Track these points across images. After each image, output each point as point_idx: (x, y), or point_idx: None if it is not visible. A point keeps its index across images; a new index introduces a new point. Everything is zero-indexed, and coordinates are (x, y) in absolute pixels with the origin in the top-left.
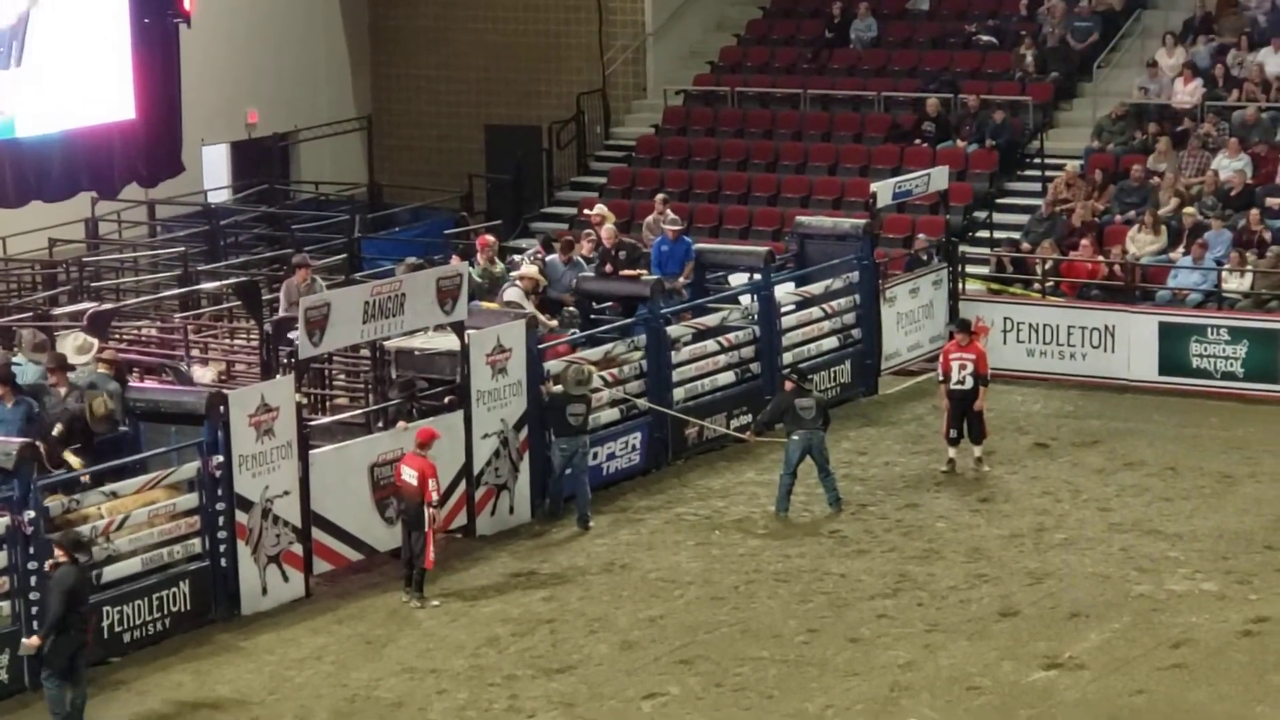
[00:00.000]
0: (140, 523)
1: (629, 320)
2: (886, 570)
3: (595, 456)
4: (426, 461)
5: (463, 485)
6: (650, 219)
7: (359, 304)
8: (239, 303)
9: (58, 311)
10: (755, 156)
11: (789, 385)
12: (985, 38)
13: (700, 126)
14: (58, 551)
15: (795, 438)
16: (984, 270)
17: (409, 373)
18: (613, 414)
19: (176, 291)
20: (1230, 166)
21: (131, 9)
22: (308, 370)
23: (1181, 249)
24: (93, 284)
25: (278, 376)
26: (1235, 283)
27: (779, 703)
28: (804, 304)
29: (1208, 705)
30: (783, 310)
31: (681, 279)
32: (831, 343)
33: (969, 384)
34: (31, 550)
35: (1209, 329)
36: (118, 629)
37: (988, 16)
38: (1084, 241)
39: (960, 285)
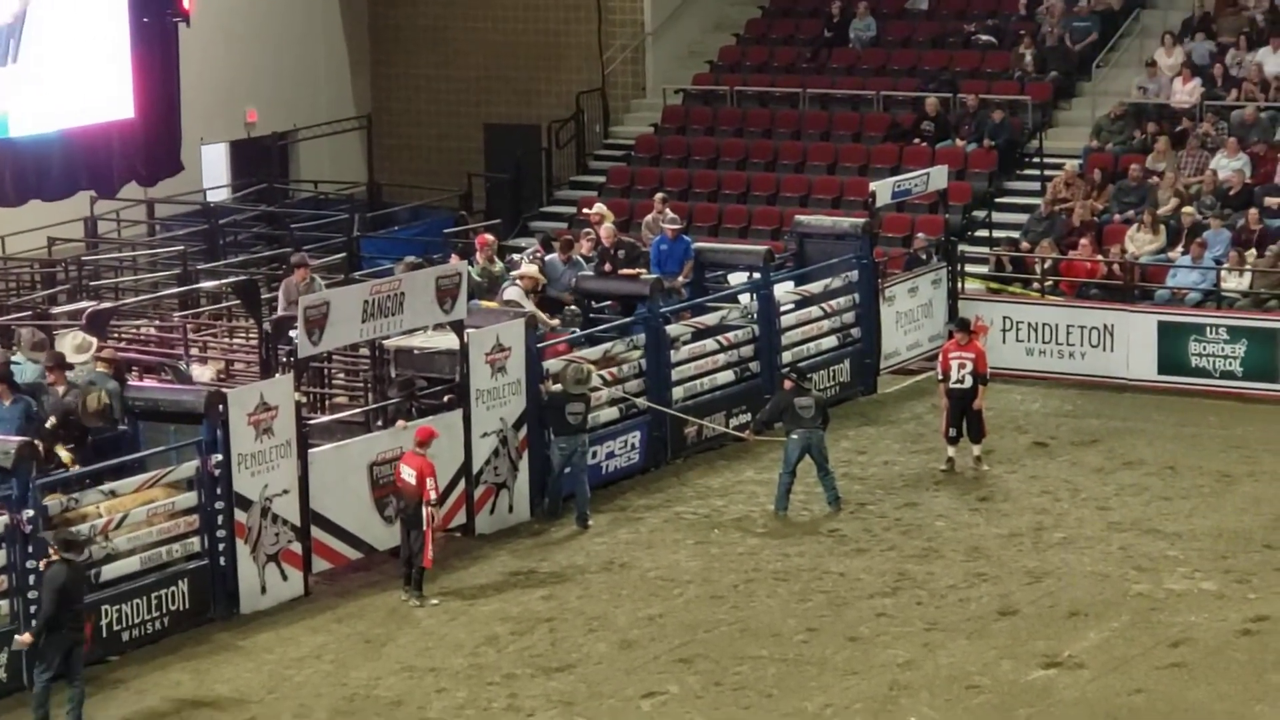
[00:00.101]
0: (139, 521)
1: (628, 319)
2: (885, 569)
3: (594, 455)
4: (425, 460)
5: (462, 484)
6: (649, 218)
7: (358, 303)
8: (238, 302)
9: (57, 310)
10: (754, 156)
11: (788, 384)
12: (984, 37)
13: (699, 126)
14: (50, 550)
15: (794, 437)
16: (983, 269)
17: (408, 372)
18: (612, 413)
19: (175, 290)
20: (1229, 166)
21: (131, 8)
22: (307, 369)
23: (1180, 248)
24: (92, 283)
25: (277, 375)
26: (1234, 282)
27: (778, 701)
28: (803, 303)
29: (1207, 704)
30: (782, 309)
31: (681, 278)
32: (831, 342)
33: (968, 383)
34: (30, 549)
35: (1208, 328)
36: (116, 627)
37: (987, 16)
38: (1083, 241)
39: (959, 284)
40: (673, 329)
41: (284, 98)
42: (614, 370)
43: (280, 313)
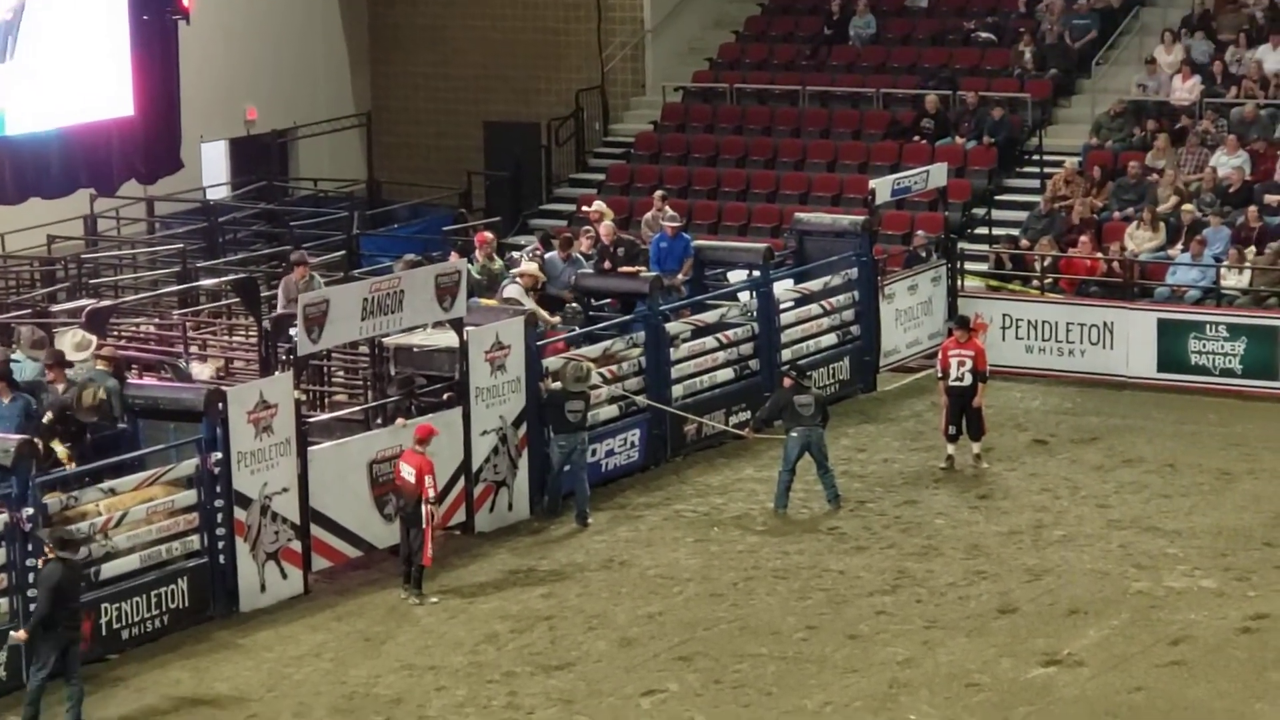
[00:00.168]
0: (138, 519)
1: (628, 317)
2: (885, 567)
3: (594, 453)
4: (424, 458)
5: (461, 482)
6: (649, 216)
7: (358, 301)
8: (237, 299)
9: (56, 308)
10: (754, 153)
11: (788, 382)
12: (984, 34)
13: (699, 123)
14: (46, 548)
15: (794, 434)
16: (983, 267)
17: (408, 370)
18: (611, 411)
19: (175, 288)
20: (1229, 163)
21: (130, 5)
22: (306, 367)
23: (1180, 246)
24: (91, 281)
25: (276, 373)
26: (1234, 279)
27: (778, 699)
28: (803, 301)
29: (1206, 702)
30: (781, 307)
31: (680, 276)
32: (830, 339)
33: (968, 380)
34: (30, 547)
35: (1207, 326)
36: (116, 626)
37: (986, 13)
38: (1083, 238)
39: (959, 282)
40: (672, 327)
41: (283, 95)
42: (614, 368)
43: (280, 310)
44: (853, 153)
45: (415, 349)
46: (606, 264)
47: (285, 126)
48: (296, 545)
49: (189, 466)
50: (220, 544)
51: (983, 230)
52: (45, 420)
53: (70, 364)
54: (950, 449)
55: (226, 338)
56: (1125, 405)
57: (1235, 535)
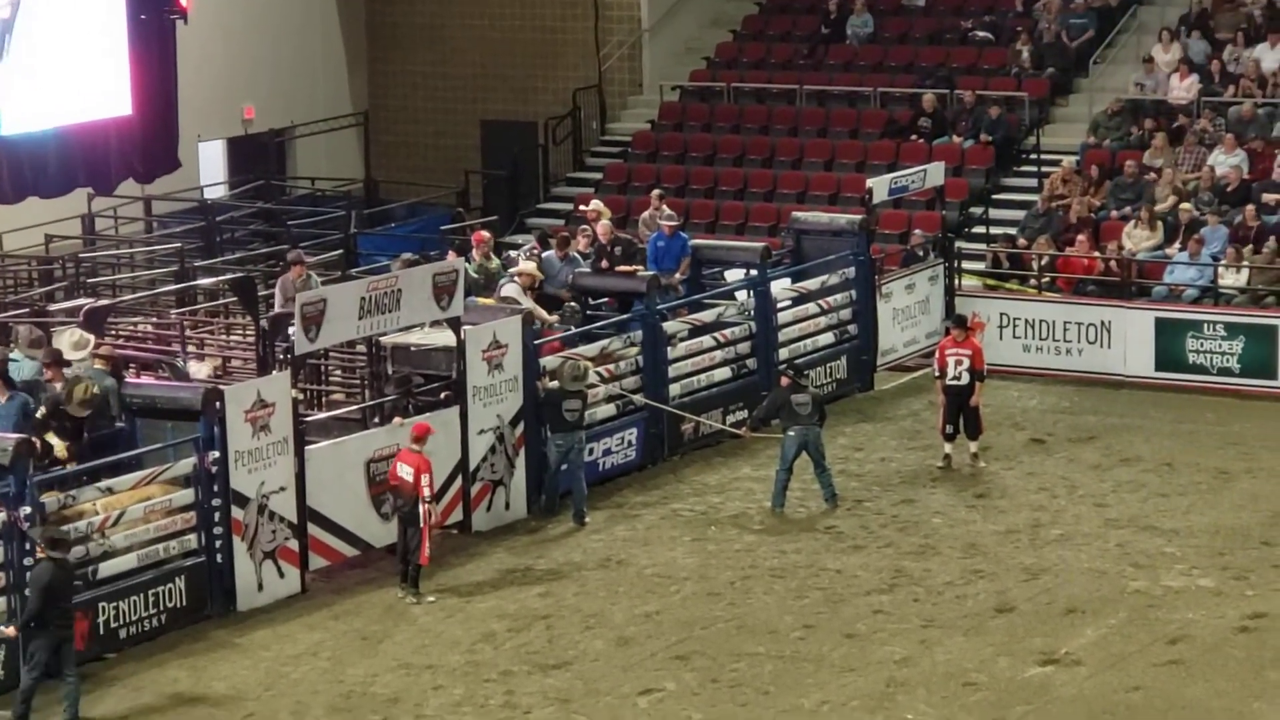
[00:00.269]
0: (136, 518)
1: (625, 316)
2: (882, 566)
3: (591, 452)
4: (421, 457)
5: (459, 481)
6: (646, 215)
7: (355, 300)
8: (235, 299)
9: (54, 308)
10: (751, 152)
11: (785, 381)
12: (981, 33)
13: (696, 122)
14: (37, 548)
15: (791, 433)
16: (980, 266)
17: (405, 368)
18: (609, 410)
19: (173, 287)
20: (1226, 162)
21: (128, 4)
22: (304, 366)
23: (1178, 245)
24: (89, 280)
25: (274, 372)
26: (1231, 278)
27: (775, 699)
28: (800, 300)
29: (1204, 701)
30: (779, 306)
31: (678, 275)
32: (828, 338)
33: (965, 379)
34: (27, 546)
35: (1205, 325)
36: (113, 625)
37: (984, 12)
38: (1080, 237)
39: (956, 281)
40: (670, 326)
41: (281, 94)
42: (611, 367)
43: (277, 309)
44: (850, 152)
45: (413, 348)
46: (604, 263)
47: (283, 126)
48: (294, 544)
49: (186, 465)
50: (218, 543)
51: (980, 229)
52: (39, 415)
53: (68, 363)
54: (947, 448)
55: (224, 337)
56: (1123, 404)
57: (1233, 534)
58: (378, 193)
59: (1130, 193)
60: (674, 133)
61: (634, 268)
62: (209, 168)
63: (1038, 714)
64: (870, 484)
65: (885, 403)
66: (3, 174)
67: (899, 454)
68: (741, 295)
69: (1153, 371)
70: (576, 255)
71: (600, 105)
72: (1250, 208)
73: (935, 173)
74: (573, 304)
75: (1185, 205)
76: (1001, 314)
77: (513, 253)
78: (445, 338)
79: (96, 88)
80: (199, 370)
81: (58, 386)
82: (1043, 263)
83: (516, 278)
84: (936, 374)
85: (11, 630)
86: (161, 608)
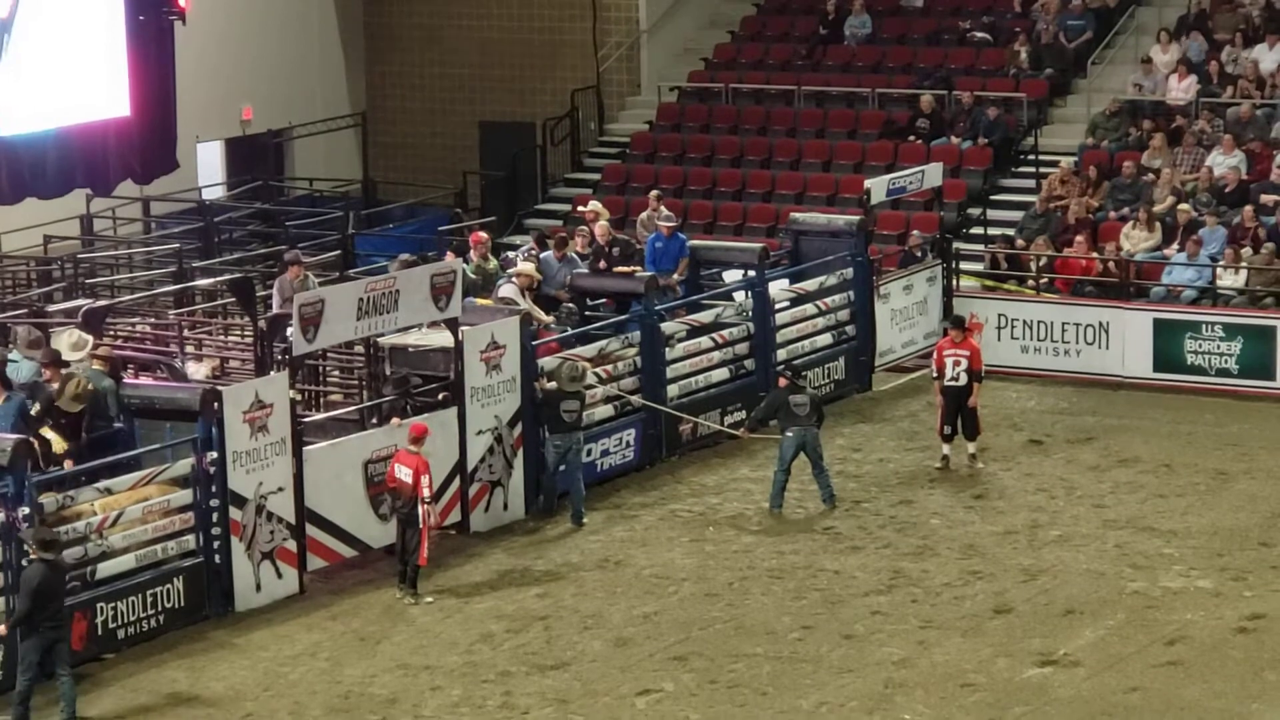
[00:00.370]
0: (134, 519)
1: (623, 317)
2: (880, 567)
3: (589, 453)
4: (420, 458)
5: (457, 481)
6: (644, 215)
7: (353, 301)
8: (233, 299)
9: (53, 308)
10: (749, 153)
11: (783, 382)
12: (979, 34)
13: (694, 123)
14: (29, 549)
15: (789, 434)
16: (978, 267)
17: (403, 369)
18: (607, 410)
19: (171, 288)
20: (1225, 163)
21: (126, 5)
22: (302, 367)
23: (1176, 245)
24: (87, 281)
25: (272, 373)
26: (1230, 279)
27: (773, 699)
28: (798, 300)
29: (1203, 702)
30: (777, 307)
31: (676, 275)
32: (826, 339)
33: (963, 380)
34: (25, 546)
35: (1203, 325)
36: (111, 625)
37: (982, 13)
38: (1078, 238)
39: (954, 282)
40: (668, 326)
41: (279, 95)
42: (609, 368)
43: (275, 310)
44: (848, 152)
45: (410, 349)
46: (602, 264)
47: (281, 126)
48: (292, 545)
49: (184, 466)
50: (216, 543)
51: (978, 230)
52: (34, 412)
53: (66, 364)
54: (945, 449)
55: (222, 337)
56: (1121, 405)
57: (1231, 535)
58: (375, 193)
59: (1128, 193)
60: (672, 133)
61: (632, 268)
62: (207, 168)
63: (1036, 715)
64: (868, 485)
65: (883, 404)
66: (1, 175)
67: (897, 455)
68: (739, 296)
69: (1151, 372)
70: (574, 256)
71: (598, 106)
72: (1248, 209)
73: (933, 173)
74: (569, 305)
75: (1183, 206)
76: (999, 315)
77: (510, 253)
78: (443, 338)
79: (95, 89)
80: (197, 371)
81: (56, 387)
82: (1041, 263)
83: (514, 278)
84: (934, 375)
85: (1, 629)
86: (160, 608)
